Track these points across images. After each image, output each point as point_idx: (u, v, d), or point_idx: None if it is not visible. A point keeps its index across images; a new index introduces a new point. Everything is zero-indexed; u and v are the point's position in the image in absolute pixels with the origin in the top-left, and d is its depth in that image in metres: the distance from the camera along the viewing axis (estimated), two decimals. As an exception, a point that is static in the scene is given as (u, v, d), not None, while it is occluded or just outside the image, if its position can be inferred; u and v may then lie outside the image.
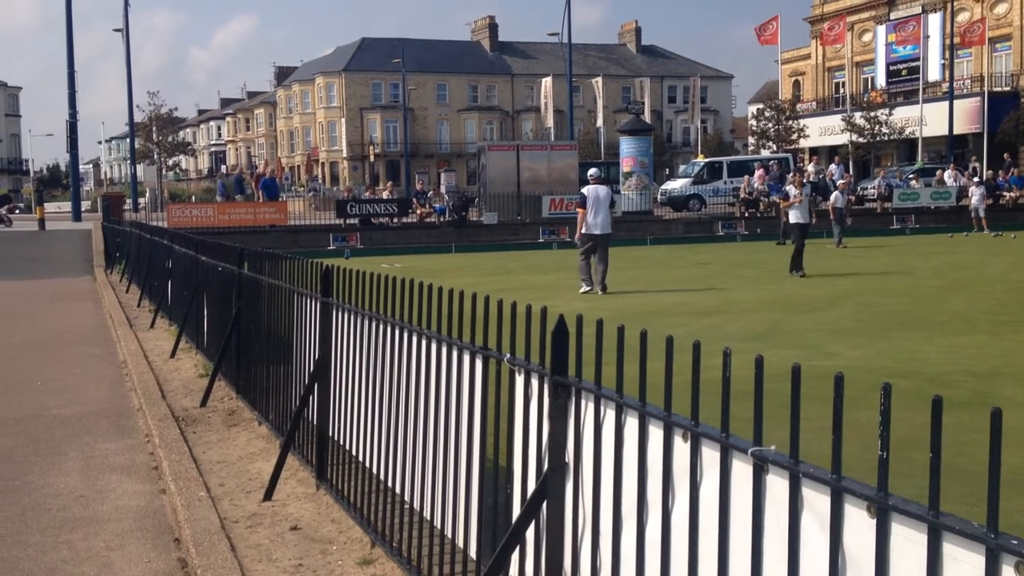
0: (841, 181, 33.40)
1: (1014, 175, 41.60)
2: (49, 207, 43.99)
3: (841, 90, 64.08)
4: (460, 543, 4.01)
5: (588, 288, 17.10)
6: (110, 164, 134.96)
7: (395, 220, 35.65)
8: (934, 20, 55.20)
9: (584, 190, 17.53)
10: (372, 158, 78.01)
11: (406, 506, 4.54)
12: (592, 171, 18.49)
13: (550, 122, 61.73)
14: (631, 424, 3.00)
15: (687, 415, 2.72)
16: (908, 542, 2.00)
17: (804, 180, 22.15)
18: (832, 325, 12.77)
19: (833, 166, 44.41)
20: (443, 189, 51.42)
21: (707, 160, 47.76)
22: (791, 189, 20.93)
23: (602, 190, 17.37)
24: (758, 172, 41.65)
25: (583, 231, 16.99)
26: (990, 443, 1.82)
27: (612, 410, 3.10)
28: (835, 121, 57.19)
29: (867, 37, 61.82)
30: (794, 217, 20.19)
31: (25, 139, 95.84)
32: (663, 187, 45.94)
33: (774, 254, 27.06)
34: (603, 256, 17.11)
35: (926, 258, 23.77)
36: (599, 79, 62.96)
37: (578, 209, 17.52)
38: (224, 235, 23.44)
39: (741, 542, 2.49)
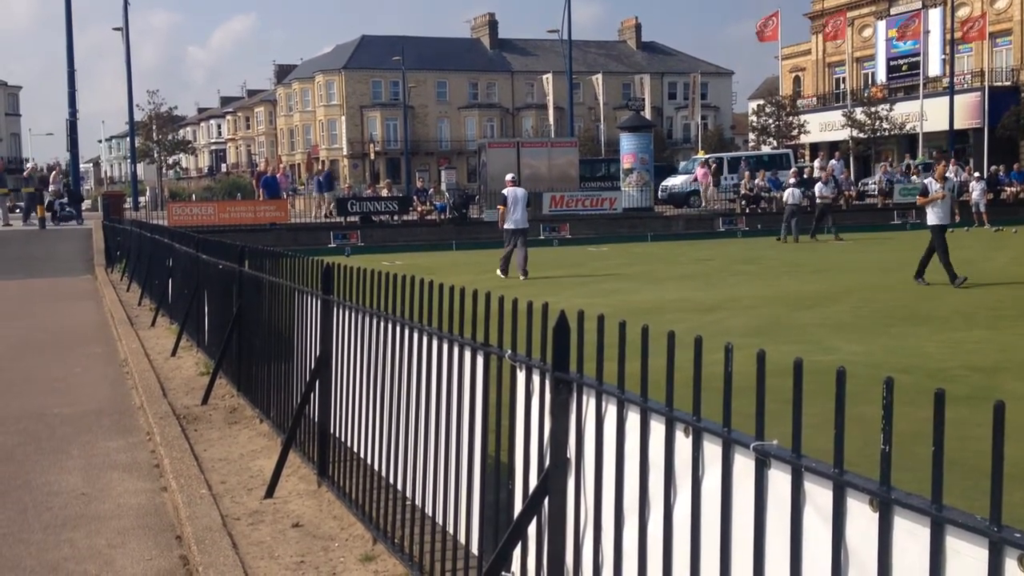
0: (792, 180, 30.95)
1: (1015, 170, 41.58)
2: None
3: (841, 86, 64.03)
4: (462, 539, 4.01)
5: (503, 276, 19.46)
6: (110, 163, 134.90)
7: (396, 218, 35.63)
8: (934, 15, 55.18)
9: (504, 191, 20.24)
10: (372, 156, 77.98)
11: (408, 503, 4.54)
12: (509, 175, 21.64)
13: (550, 119, 61.68)
14: (633, 419, 3.00)
15: (689, 411, 2.72)
16: (911, 536, 1.99)
17: (946, 173, 18.03)
18: (833, 320, 12.77)
19: (833, 161, 44.42)
20: (444, 187, 51.34)
21: (707, 156, 47.72)
22: (932, 183, 16.94)
23: (520, 192, 20.15)
24: (701, 171, 41.62)
25: (506, 226, 19.73)
26: (993, 436, 1.81)
27: (614, 406, 3.09)
28: (835, 117, 57.17)
29: (867, 32, 61.76)
30: (933, 217, 16.49)
31: (25, 138, 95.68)
32: (663, 183, 45.88)
33: (775, 250, 27.05)
34: (523, 244, 19.71)
35: (927, 253, 23.68)
36: (599, 76, 62.90)
37: (499, 207, 20.40)
38: (225, 233, 23.46)
39: (743, 537, 2.48)
